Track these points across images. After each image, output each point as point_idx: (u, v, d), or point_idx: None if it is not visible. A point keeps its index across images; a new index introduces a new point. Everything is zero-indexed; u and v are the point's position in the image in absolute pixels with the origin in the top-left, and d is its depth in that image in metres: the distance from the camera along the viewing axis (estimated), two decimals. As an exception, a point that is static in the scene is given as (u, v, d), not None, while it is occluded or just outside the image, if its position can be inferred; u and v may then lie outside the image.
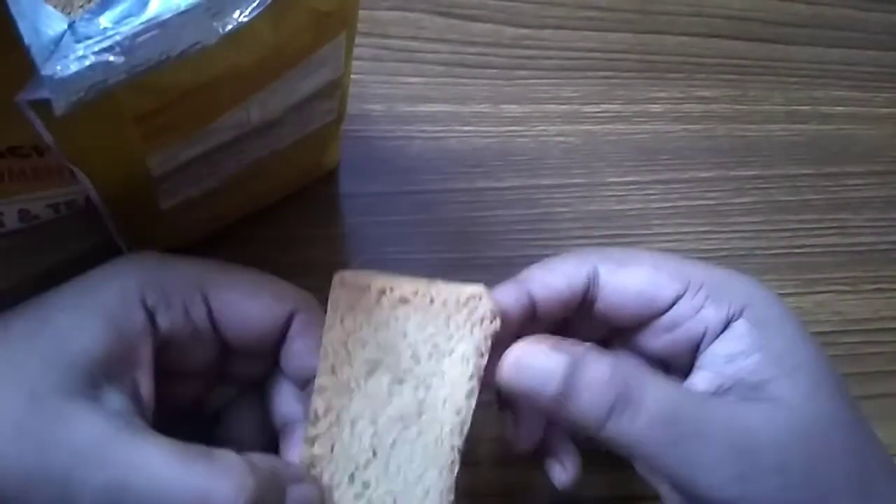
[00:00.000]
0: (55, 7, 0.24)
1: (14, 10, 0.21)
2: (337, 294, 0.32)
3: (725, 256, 0.47)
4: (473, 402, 0.31)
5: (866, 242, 0.49)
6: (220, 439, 0.34)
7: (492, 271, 0.45)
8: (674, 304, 0.32)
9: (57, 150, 0.27)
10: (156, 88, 0.27)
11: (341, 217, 0.46)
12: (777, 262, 0.47)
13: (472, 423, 0.31)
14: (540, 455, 0.34)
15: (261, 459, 0.29)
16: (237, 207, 0.42)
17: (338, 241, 0.46)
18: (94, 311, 0.28)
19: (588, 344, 0.31)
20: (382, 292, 0.32)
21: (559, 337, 0.31)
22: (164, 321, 0.30)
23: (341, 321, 0.31)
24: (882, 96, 0.54)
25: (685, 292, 0.31)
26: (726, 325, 0.31)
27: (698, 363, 0.32)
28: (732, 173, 0.50)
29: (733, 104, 0.53)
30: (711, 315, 0.31)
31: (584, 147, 0.50)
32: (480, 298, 0.31)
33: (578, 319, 0.34)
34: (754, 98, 0.53)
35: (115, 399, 0.27)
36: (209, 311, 0.31)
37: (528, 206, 0.47)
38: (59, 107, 0.23)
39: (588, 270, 0.33)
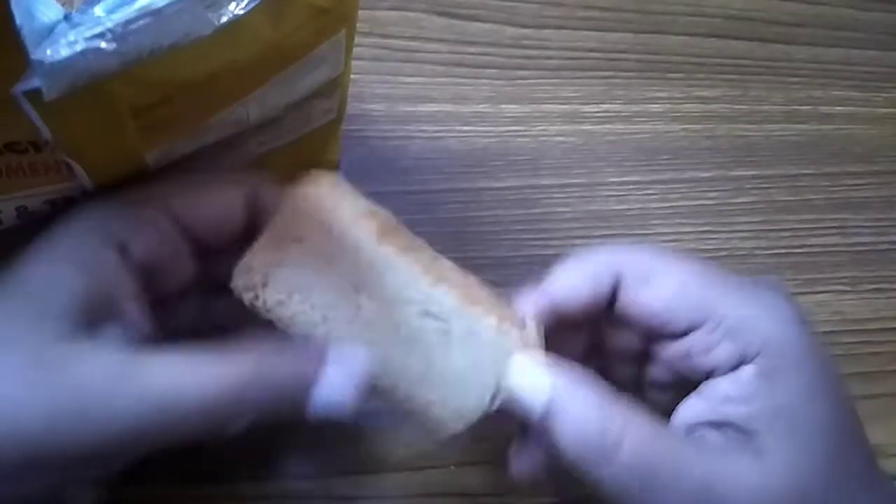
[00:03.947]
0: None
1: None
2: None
3: (725, 256, 0.47)
4: None
5: (866, 242, 0.49)
6: None
7: (491, 271, 0.45)
8: (687, 332, 0.31)
9: (53, 143, 0.27)
10: (152, 81, 0.27)
11: (341, 217, 0.46)
12: (777, 262, 0.47)
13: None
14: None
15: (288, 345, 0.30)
16: (236, 206, 0.42)
17: (337, 240, 0.46)
18: (65, 261, 0.29)
19: (580, 372, 0.30)
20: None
21: (558, 358, 0.31)
22: (138, 250, 0.30)
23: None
24: (882, 96, 0.54)
25: (702, 325, 0.30)
26: (737, 366, 0.30)
27: (700, 388, 0.31)
28: (732, 173, 0.50)
29: (733, 104, 0.53)
30: (723, 356, 0.30)
31: (584, 147, 0.50)
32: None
33: (608, 327, 0.34)
34: (754, 98, 0.53)
35: (112, 332, 0.28)
36: (177, 221, 0.31)
37: (527, 206, 0.47)
38: (50, 92, 0.23)
39: (613, 278, 0.32)
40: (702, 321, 0.30)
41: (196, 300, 0.34)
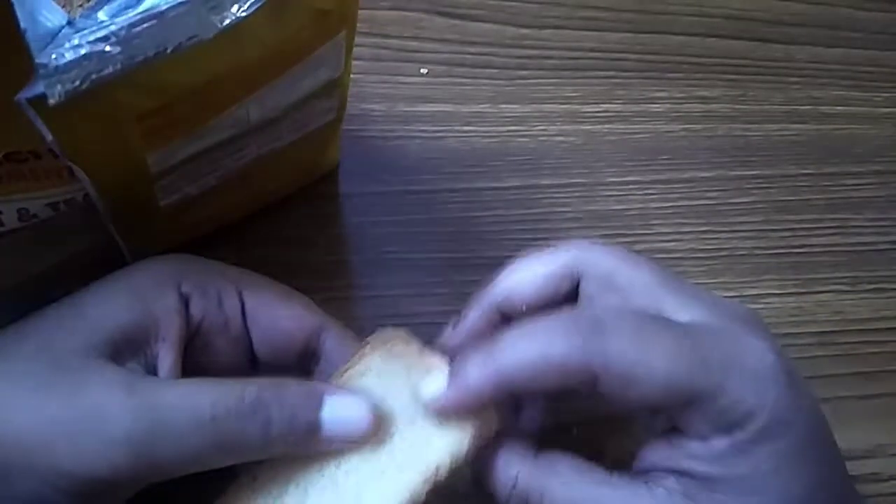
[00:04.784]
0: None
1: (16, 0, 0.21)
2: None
3: (725, 256, 0.47)
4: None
5: (866, 242, 0.49)
6: None
7: (491, 271, 0.45)
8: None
9: (57, 148, 0.27)
10: (157, 87, 0.28)
11: (341, 217, 0.46)
12: (777, 262, 0.47)
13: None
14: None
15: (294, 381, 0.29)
16: (237, 206, 0.42)
17: (338, 241, 0.46)
18: (124, 289, 0.30)
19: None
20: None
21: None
22: (196, 308, 0.31)
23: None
24: (882, 96, 0.54)
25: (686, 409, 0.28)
26: (710, 435, 0.28)
27: (670, 437, 0.29)
28: (732, 173, 0.50)
29: (733, 104, 0.53)
30: (702, 429, 0.28)
31: (584, 147, 0.50)
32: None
33: None
34: (754, 98, 0.53)
35: (136, 367, 0.29)
36: (243, 308, 0.32)
37: (527, 205, 0.47)
38: (54, 96, 0.23)
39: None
40: (686, 407, 0.27)
41: None
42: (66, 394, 0.26)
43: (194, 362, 0.31)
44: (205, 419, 0.26)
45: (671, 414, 0.28)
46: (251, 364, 0.33)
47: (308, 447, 0.29)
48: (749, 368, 0.27)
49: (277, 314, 0.32)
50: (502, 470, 0.29)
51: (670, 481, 0.28)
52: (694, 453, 0.28)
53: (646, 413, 0.30)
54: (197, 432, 0.26)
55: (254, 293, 0.32)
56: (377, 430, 0.29)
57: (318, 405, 0.28)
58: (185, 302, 0.30)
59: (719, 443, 0.27)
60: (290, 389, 0.28)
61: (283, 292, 0.33)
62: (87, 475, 0.26)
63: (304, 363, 0.33)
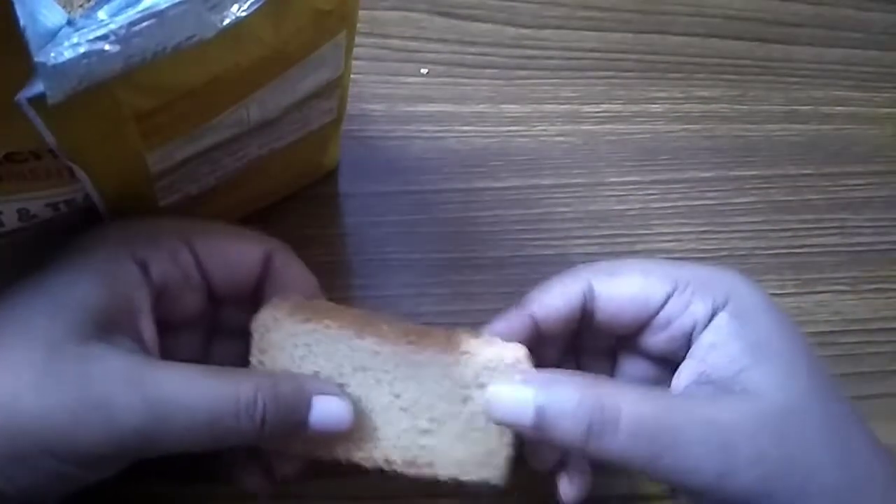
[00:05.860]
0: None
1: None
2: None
3: (725, 256, 0.47)
4: None
5: (866, 242, 0.49)
6: None
7: (491, 271, 0.45)
8: (665, 303, 0.33)
9: (57, 148, 0.27)
10: (157, 87, 0.28)
11: (341, 217, 0.46)
12: (777, 262, 0.47)
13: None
14: (553, 467, 0.35)
15: (286, 374, 0.32)
16: (237, 207, 0.42)
17: (338, 241, 0.46)
18: (88, 269, 0.30)
19: (558, 371, 0.32)
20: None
21: (530, 370, 0.32)
22: (156, 270, 0.31)
23: None
24: (882, 96, 0.54)
25: (674, 291, 0.33)
26: (712, 317, 0.32)
27: (688, 353, 0.33)
28: (732, 173, 0.50)
29: (733, 104, 0.53)
30: (699, 309, 0.32)
31: (584, 147, 0.50)
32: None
33: (585, 333, 0.36)
34: (754, 98, 0.53)
35: (125, 343, 0.29)
36: (196, 258, 0.33)
37: (527, 205, 0.47)
38: (53, 95, 0.23)
39: (582, 285, 0.34)
40: (673, 288, 0.33)
41: (197, 337, 0.35)
42: (73, 384, 0.27)
43: (165, 318, 0.32)
44: (203, 420, 0.28)
45: (671, 303, 0.33)
46: (217, 304, 0.35)
47: (293, 438, 0.31)
48: (717, 265, 0.34)
49: (227, 254, 0.33)
50: (562, 392, 0.30)
51: (701, 389, 0.31)
52: (711, 343, 0.32)
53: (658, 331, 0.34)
54: (196, 429, 0.28)
55: (202, 240, 0.33)
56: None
57: (308, 406, 0.31)
58: (144, 268, 0.31)
59: (722, 317, 0.32)
60: (283, 390, 0.30)
61: (230, 231, 0.34)
62: (97, 453, 0.28)
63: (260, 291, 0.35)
